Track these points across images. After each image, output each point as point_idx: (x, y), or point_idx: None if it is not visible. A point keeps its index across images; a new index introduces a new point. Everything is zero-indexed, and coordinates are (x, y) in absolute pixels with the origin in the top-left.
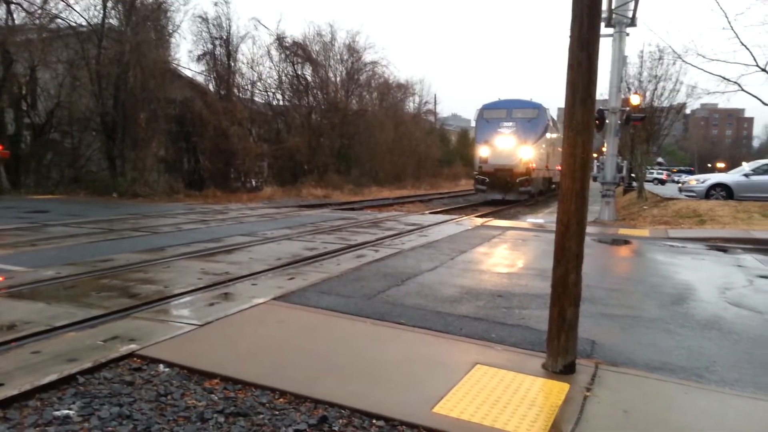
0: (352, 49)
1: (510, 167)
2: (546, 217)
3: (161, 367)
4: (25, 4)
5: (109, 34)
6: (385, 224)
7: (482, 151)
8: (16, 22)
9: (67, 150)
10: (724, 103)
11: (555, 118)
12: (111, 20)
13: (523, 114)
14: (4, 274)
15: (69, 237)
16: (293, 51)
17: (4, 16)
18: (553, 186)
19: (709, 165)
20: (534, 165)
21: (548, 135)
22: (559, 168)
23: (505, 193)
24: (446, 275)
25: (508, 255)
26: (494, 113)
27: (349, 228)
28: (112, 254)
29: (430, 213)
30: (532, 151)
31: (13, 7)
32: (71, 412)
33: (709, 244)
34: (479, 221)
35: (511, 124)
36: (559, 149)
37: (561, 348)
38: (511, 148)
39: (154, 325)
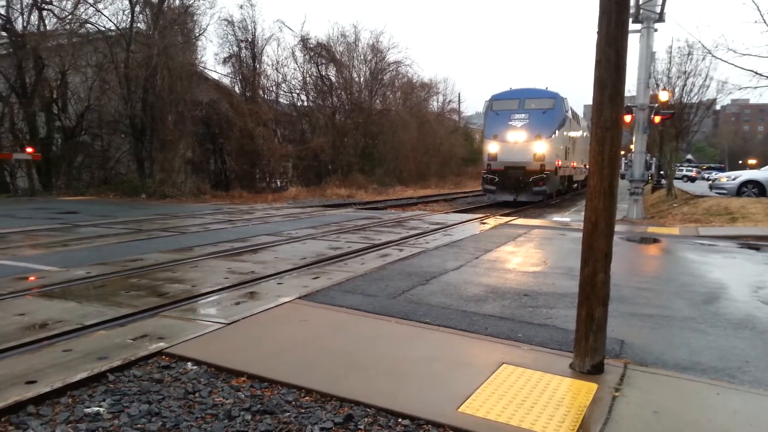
0: (375, 50)
1: (522, 165)
2: (572, 216)
3: (189, 365)
4: (56, 10)
5: (137, 38)
6: (409, 223)
7: (491, 147)
8: (48, 27)
9: (97, 152)
10: (756, 98)
11: (574, 109)
12: (139, 24)
13: (537, 104)
14: (37, 273)
15: (99, 237)
16: (317, 52)
17: (37, 22)
18: (575, 185)
19: (740, 161)
20: (550, 162)
21: (566, 128)
22: (577, 165)
23: (516, 194)
24: (471, 274)
25: (534, 254)
26: (505, 104)
27: (373, 227)
28: (141, 254)
29: (455, 212)
30: (547, 146)
31: (45, 13)
32: (101, 410)
33: (740, 242)
34: (504, 220)
35: (523, 115)
36: (580, 140)
37: (589, 348)
38: (524, 143)
39: (182, 323)
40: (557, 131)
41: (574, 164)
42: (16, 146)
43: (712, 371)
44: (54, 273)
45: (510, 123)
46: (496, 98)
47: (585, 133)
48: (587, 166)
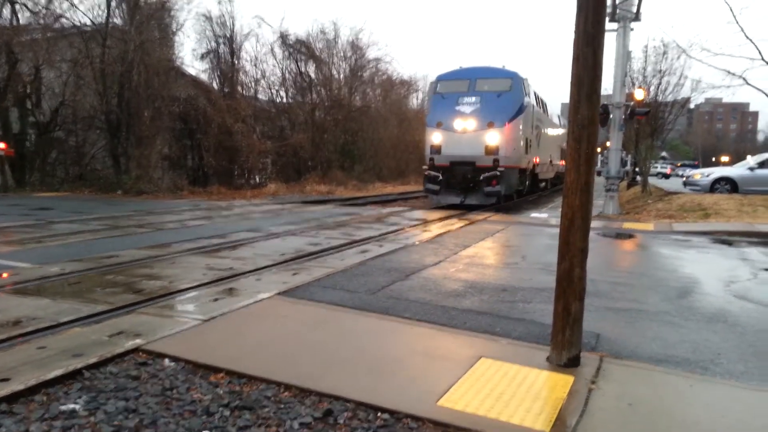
0: (355, 46)
1: (471, 160)
2: (550, 212)
3: (167, 361)
4: (30, 4)
5: (113, 33)
6: (389, 219)
7: (434, 138)
8: (21, 21)
9: (72, 148)
10: (729, 97)
11: (540, 95)
12: (115, 19)
13: (490, 86)
14: (10, 270)
15: (74, 234)
16: (297, 48)
17: (9, 16)
18: (542, 184)
19: (714, 159)
20: (505, 156)
21: (527, 115)
22: (543, 161)
23: (464, 195)
24: (450, 270)
25: (512, 249)
26: (452, 86)
27: (353, 223)
28: (117, 251)
29: (434, 208)
30: (502, 136)
31: (17, 6)
32: (77, 407)
33: (713, 237)
34: (482, 216)
35: (473, 99)
36: (549, 134)
37: (566, 341)
38: (474, 133)
39: (159, 320)
40: (515, 119)
41: (538, 160)
42: None
43: (686, 364)
44: (28, 270)
45: (457, 108)
46: (441, 79)
47: (557, 128)
48: (557, 163)
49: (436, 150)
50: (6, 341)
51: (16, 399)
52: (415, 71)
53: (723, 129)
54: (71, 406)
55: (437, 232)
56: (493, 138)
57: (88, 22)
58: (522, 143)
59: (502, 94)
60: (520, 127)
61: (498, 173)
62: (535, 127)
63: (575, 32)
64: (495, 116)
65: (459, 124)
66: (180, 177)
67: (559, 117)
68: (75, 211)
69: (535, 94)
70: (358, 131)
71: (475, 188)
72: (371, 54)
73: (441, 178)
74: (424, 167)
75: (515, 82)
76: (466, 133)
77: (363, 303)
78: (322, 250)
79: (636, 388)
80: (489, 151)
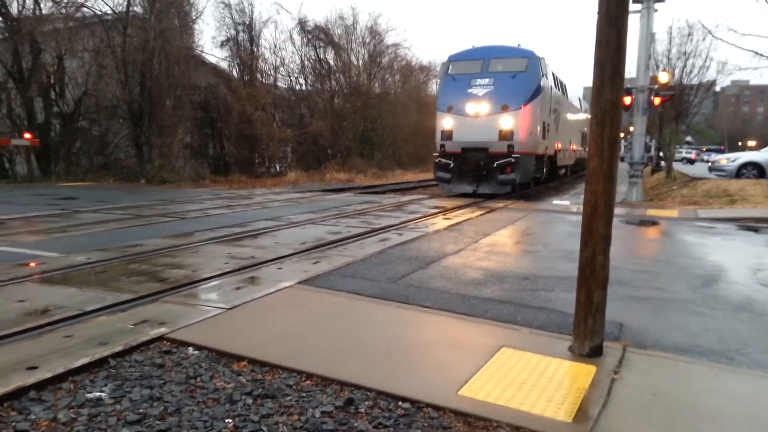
0: (374, 32)
1: (484, 146)
2: (572, 199)
3: (190, 350)
4: None
5: (134, 21)
6: (409, 207)
7: (445, 123)
8: (43, 11)
9: (96, 138)
10: (756, 79)
11: (559, 76)
12: (135, 8)
13: (505, 66)
14: (38, 259)
15: (99, 223)
16: (315, 35)
17: (32, 6)
18: (562, 171)
19: (740, 143)
20: (521, 141)
21: (545, 97)
22: (564, 147)
23: (477, 183)
24: (471, 258)
25: (533, 237)
26: (464, 66)
27: (373, 212)
28: (141, 240)
29: (454, 196)
30: (517, 120)
31: None
32: (103, 395)
33: (740, 224)
34: (502, 204)
35: (487, 81)
36: (569, 118)
37: (588, 331)
38: (487, 117)
39: (183, 308)
40: (532, 101)
41: (559, 145)
42: (14, 132)
43: (711, 354)
44: (54, 259)
45: (469, 91)
46: (453, 59)
47: (578, 112)
48: (578, 149)
49: (447, 135)
50: (34, 329)
51: (44, 386)
52: (434, 56)
53: (750, 112)
54: (97, 394)
55: (457, 220)
56: (508, 122)
57: (109, 11)
58: (539, 128)
59: (517, 74)
60: (537, 110)
61: (513, 160)
62: (553, 110)
63: (598, 13)
64: (510, 99)
65: (471, 107)
66: (201, 166)
67: (580, 100)
68: (99, 201)
69: (553, 75)
70: (378, 118)
71: (488, 176)
72: (390, 40)
73: (452, 165)
74: (435, 154)
75: (531, 62)
76: (479, 117)
77: (383, 292)
78: (342, 238)
79: (660, 378)
80: (503, 137)
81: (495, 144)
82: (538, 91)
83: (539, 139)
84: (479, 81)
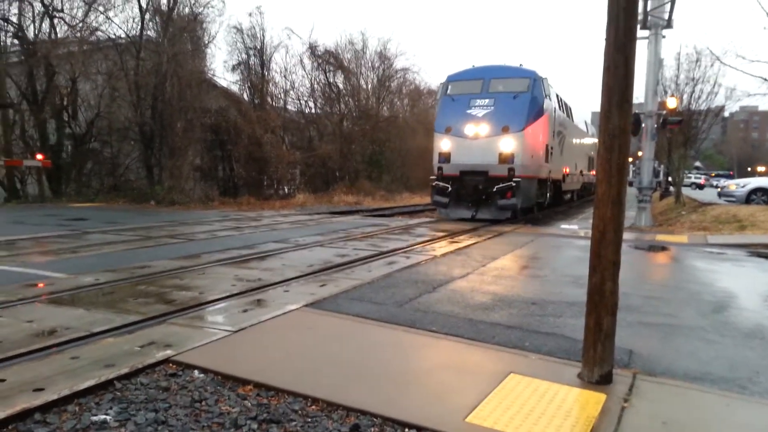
0: (383, 57)
1: (484, 169)
2: (580, 224)
3: (196, 372)
4: (67, 18)
5: (147, 45)
6: (416, 231)
7: (443, 145)
8: (59, 35)
9: (107, 159)
10: (765, 104)
11: (563, 97)
12: (149, 32)
13: (506, 86)
14: (46, 280)
15: (108, 244)
16: (325, 59)
17: (48, 30)
18: (567, 196)
19: (749, 169)
20: (523, 164)
21: (548, 119)
22: (571, 171)
23: (476, 208)
24: (478, 282)
25: (541, 261)
26: (464, 86)
27: (381, 234)
28: (150, 261)
29: (460, 220)
30: (518, 142)
31: (56, 21)
32: (108, 417)
33: (750, 250)
34: (510, 228)
35: (487, 101)
36: (574, 141)
37: (597, 358)
38: (486, 139)
39: (189, 331)
40: (534, 123)
41: (565, 169)
42: (27, 153)
43: (722, 382)
44: (63, 280)
45: (469, 112)
46: (452, 79)
47: (584, 135)
48: (585, 173)
49: (445, 158)
50: (41, 351)
51: (49, 409)
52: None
53: (759, 138)
54: (102, 416)
55: (465, 243)
56: (508, 144)
57: (123, 35)
58: (542, 150)
59: (518, 95)
60: (540, 132)
61: (513, 184)
62: (557, 133)
63: (606, 40)
64: (510, 120)
65: (470, 129)
66: (211, 188)
67: (586, 123)
68: (109, 222)
69: (557, 96)
70: (386, 141)
71: (488, 201)
72: (399, 64)
73: (450, 189)
74: (432, 177)
75: (533, 83)
76: (478, 138)
77: (390, 315)
78: (349, 261)
79: (670, 406)
80: (503, 159)
81: (495, 167)
82: (540, 112)
83: (542, 163)
84: (479, 101)
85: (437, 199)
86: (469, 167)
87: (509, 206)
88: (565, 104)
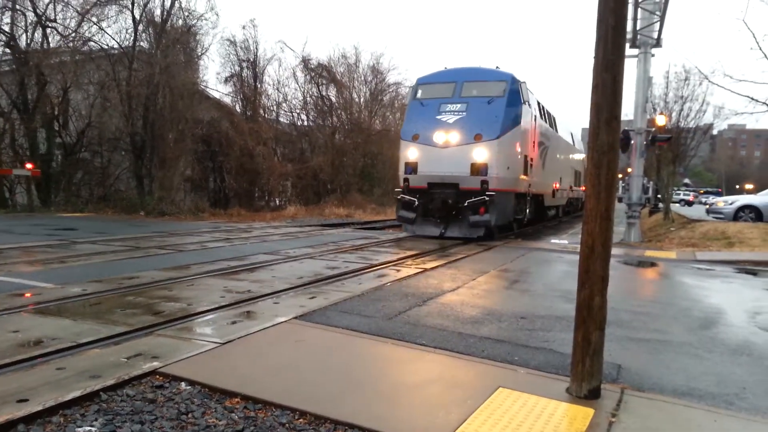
0: (376, 71)
1: (454, 180)
2: (569, 238)
3: (183, 384)
4: (60, 28)
5: (140, 56)
6: (407, 244)
7: (410, 153)
8: (51, 45)
9: (97, 169)
10: (752, 123)
11: (545, 105)
12: (142, 43)
13: (480, 90)
14: (33, 290)
15: (96, 254)
16: (318, 72)
17: (40, 39)
18: (551, 212)
19: (737, 186)
20: (498, 176)
21: (526, 126)
22: (553, 184)
23: (445, 225)
24: (468, 296)
25: (531, 276)
26: (434, 90)
27: (371, 247)
28: (138, 272)
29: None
30: (492, 152)
31: (48, 30)
32: (93, 429)
33: (738, 266)
34: (500, 242)
35: (458, 106)
36: (559, 153)
37: (586, 372)
38: (457, 148)
39: (177, 342)
40: (510, 131)
41: (550, 184)
42: (16, 162)
43: (710, 397)
44: (50, 290)
45: (438, 118)
46: (422, 82)
47: (569, 148)
48: (573, 188)
49: (412, 168)
50: (26, 361)
51: (33, 420)
52: None
53: (747, 156)
54: (87, 428)
55: (455, 257)
56: (481, 154)
57: (116, 46)
58: (519, 161)
59: (493, 100)
60: (517, 141)
61: (487, 198)
62: (538, 143)
63: (594, 58)
64: (484, 127)
65: (440, 136)
66: (201, 199)
67: (572, 136)
68: (98, 232)
69: (539, 104)
70: (378, 154)
71: (458, 217)
72: (391, 78)
73: (417, 203)
74: (397, 190)
75: (510, 86)
76: (449, 147)
77: (379, 329)
78: (339, 273)
79: (658, 421)
80: (476, 171)
81: (466, 179)
82: (518, 119)
83: (520, 175)
84: (450, 107)
85: (402, 214)
86: (437, 179)
87: (482, 223)
88: (549, 113)
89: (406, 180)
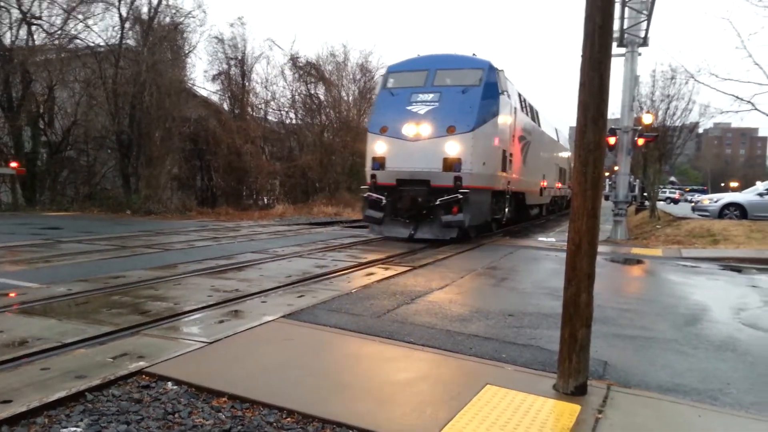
0: (364, 69)
1: (424, 177)
2: (557, 236)
3: (169, 384)
4: (46, 25)
5: (126, 54)
6: (395, 242)
7: (377, 147)
8: (36, 42)
9: (83, 167)
10: (737, 122)
11: (526, 96)
12: (128, 41)
13: (454, 79)
14: (18, 290)
15: (82, 253)
16: (307, 71)
17: (25, 37)
18: (535, 210)
19: (723, 184)
20: (474, 172)
21: (505, 118)
22: (535, 182)
23: (415, 225)
24: (456, 293)
25: (519, 274)
26: (406, 78)
27: (360, 245)
28: (124, 271)
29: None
30: (467, 146)
31: (34, 28)
32: (79, 430)
33: (723, 264)
34: (489, 240)
35: (431, 96)
36: (542, 149)
37: (572, 369)
38: (429, 141)
39: (163, 342)
40: (487, 123)
41: (532, 181)
42: (1, 160)
43: (695, 393)
44: (35, 289)
45: (409, 108)
46: (393, 70)
47: (553, 144)
48: (556, 185)
49: (379, 164)
50: (10, 362)
51: (17, 421)
52: None
53: (732, 154)
54: (73, 429)
55: (443, 255)
56: (454, 148)
57: (102, 43)
58: (497, 156)
59: (468, 89)
60: (495, 134)
61: (460, 196)
62: (519, 138)
63: (582, 56)
64: (457, 118)
65: (410, 129)
66: (189, 197)
67: (557, 131)
68: (84, 231)
69: (520, 96)
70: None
71: (430, 216)
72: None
73: (385, 202)
74: (363, 187)
75: (487, 75)
76: (419, 140)
77: (367, 327)
78: (328, 272)
79: (644, 417)
80: (448, 166)
81: (438, 175)
82: (495, 110)
83: (498, 171)
84: (421, 96)
85: (369, 213)
86: (407, 175)
87: (455, 223)
88: (531, 107)
89: (373, 176)
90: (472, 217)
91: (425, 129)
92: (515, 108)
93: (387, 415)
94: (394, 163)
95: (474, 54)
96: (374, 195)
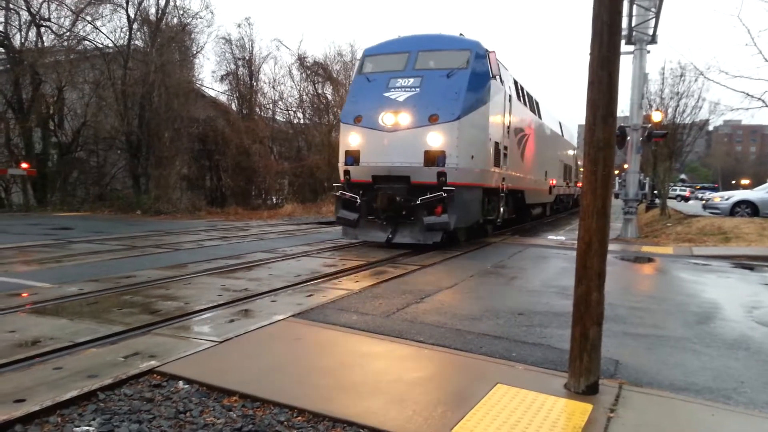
0: None
1: (404, 172)
2: (567, 235)
3: (181, 383)
4: (54, 27)
5: (135, 55)
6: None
7: (351, 139)
8: (46, 44)
9: (93, 168)
10: (748, 119)
11: (522, 83)
12: (137, 42)
13: (438, 61)
14: (30, 290)
15: (92, 254)
16: (314, 70)
17: (35, 39)
18: (536, 210)
19: (733, 182)
20: (460, 166)
21: (497, 106)
22: (537, 179)
23: (393, 228)
24: (465, 292)
25: (529, 272)
26: (385, 62)
27: (369, 244)
28: (135, 271)
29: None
30: (451, 136)
31: (43, 29)
32: (91, 429)
33: (734, 261)
34: (498, 238)
35: (412, 81)
36: (542, 143)
37: (584, 368)
38: (408, 131)
39: (174, 341)
40: (475, 110)
41: (533, 178)
42: (12, 162)
43: (707, 392)
44: (46, 289)
45: (386, 95)
46: (369, 53)
47: (556, 138)
48: (560, 183)
49: (354, 158)
50: (23, 361)
51: (31, 420)
52: None
53: (742, 151)
54: (85, 428)
55: (452, 254)
56: (437, 139)
57: (111, 45)
58: (488, 149)
59: (453, 72)
60: (485, 124)
61: (445, 194)
62: (514, 129)
63: (590, 54)
64: (441, 106)
65: (388, 118)
66: (198, 197)
67: (561, 125)
68: (94, 231)
69: (516, 83)
70: None
71: (410, 217)
72: None
73: (359, 202)
74: (336, 185)
75: (476, 57)
76: (398, 131)
77: (377, 326)
78: (337, 271)
79: (656, 416)
80: (431, 160)
81: (419, 171)
82: (485, 97)
83: (489, 166)
84: (401, 81)
85: (342, 215)
86: (384, 171)
87: (439, 225)
88: (529, 96)
89: (346, 172)
90: (459, 219)
91: (404, 118)
92: (510, 95)
93: (397, 414)
94: (369, 157)
95: (461, 34)
96: (348, 194)
